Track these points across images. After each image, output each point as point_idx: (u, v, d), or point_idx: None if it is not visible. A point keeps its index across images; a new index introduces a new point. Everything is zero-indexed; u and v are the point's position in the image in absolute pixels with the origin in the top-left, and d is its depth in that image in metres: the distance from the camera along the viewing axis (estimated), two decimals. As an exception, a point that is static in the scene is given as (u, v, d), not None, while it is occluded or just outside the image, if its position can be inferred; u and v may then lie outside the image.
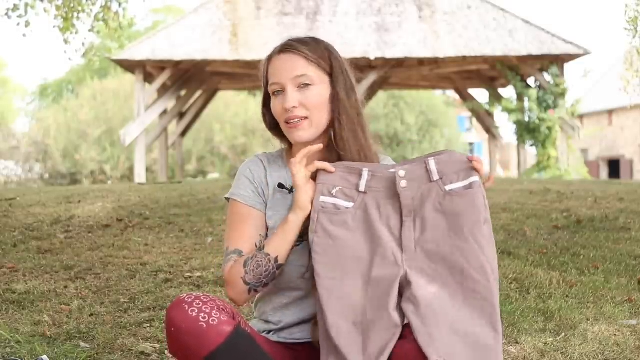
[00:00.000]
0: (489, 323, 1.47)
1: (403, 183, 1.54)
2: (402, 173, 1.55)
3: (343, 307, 1.51)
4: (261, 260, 1.59)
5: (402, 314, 1.49)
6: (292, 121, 1.65)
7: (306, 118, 1.65)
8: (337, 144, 1.67)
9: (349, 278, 1.53)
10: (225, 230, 1.77)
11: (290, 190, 1.72)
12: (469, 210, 1.51)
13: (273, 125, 1.75)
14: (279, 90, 1.67)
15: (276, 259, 1.60)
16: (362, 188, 1.57)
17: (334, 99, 1.67)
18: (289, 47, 1.68)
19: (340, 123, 1.67)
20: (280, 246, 1.60)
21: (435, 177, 1.54)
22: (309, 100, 1.65)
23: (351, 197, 1.57)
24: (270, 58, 1.70)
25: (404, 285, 1.50)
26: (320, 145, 1.61)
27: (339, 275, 1.53)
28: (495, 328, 1.47)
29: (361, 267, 1.53)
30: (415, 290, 1.48)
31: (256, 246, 1.67)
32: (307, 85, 1.65)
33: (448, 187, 1.54)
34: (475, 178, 1.54)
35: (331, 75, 1.68)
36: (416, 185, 1.55)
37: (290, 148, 1.77)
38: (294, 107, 1.64)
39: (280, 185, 1.73)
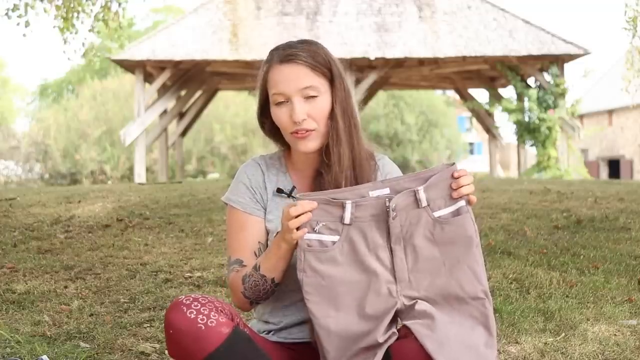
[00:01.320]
0: (485, 342, 1.48)
1: (393, 214, 1.51)
2: (393, 205, 1.50)
3: (341, 340, 1.50)
4: (258, 281, 1.62)
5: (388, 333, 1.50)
6: (301, 133, 1.63)
7: (314, 130, 1.64)
8: (330, 157, 1.65)
9: (344, 313, 1.51)
10: (225, 232, 1.77)
11: (289, 195, 1.72)
12: (461, 239, 1.51)
13: (272, 132, 1.73)
14: (283, 101, 1.63)
15: (272, 280, 1.62)
16: (346, 220, 1.51)
17: (333, 110, 1.65)
18: (292, 56, 1.63)
19: (337, 137, 1.64)
20: (275, 268, 1.61)
21: (424, 204, 1.52)
22: (316, 112, 1.63)
23: (335, 230, 1.52)
24: (270, 66, 1.65)
25: (403, 311, 1.50)
26: (315, 204, 1.52)
27: (333, 312, 1.51)
28: (491, 345, 1.48)
29: (355, 302, 1.51)
30: (417, 307, 1.49)
31: (256, 255, 1.69)
32: (314, 97, 1.63)
33: (436, 214, 1.52)
34: (461, 203, 1.52)
35: (332, 82, 1.66)
36: (404, 213, 1.52)
37: (288, 151, 1.76)
38: (303, 119, 1.62)
39: (279, 190, 1.73)
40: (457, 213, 1.52)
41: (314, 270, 1.52)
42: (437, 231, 1.52)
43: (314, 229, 1.52)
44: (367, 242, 1.52)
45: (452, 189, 1.53)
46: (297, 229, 1.51)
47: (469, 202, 1.54)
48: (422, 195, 1.52)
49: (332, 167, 1.64)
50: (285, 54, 1.64)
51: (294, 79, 1.62)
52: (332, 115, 1.65)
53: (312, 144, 1.65)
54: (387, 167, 1.77)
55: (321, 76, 1.64)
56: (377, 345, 1.48)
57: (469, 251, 1.51)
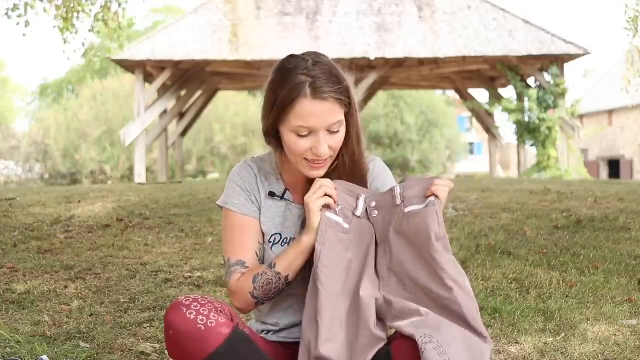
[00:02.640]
0: (470, 329, 1.49)
1: (374, 213, 1.62)
2: (373, 204, 1.63)
3: (335, 322, 1.52)
4: (272, 279, 1.62)
5: (383, 330, 1.52)
6: (319, 163, 1.64)
7: (328, 159, 1.65)
8: (334, 168, 1.69)
9: (343, 294, 1.55)
10: (222, 237, 1.77)
11: (282, 197, 1.73)
12: (422, 230, 1.55)
13: (275, 144, 1.70)
14: (305, 134, 1.61)
15: (286, 277, 1.63)
16: (358, 213, 1.63)
17: (347, 137, 1.67)
18: (326, 94, 1.59)
19: (345, 154, 1.69)
20: (291, 266, 1.62)
21: (399, 201, 1.60)
22: (336, 143, 1.64)
23: (348, 219, 1.62)
24: (299, 97, 1.58)
25: (384, 308, 1.53)
26: (332, 183, 1.62)
27: (340, 288, 1.55)
28: (477, 331, 1.48)
29: (353, 285, 1.56)
30: (396, 305, 1.51)
31: (257, 255, 1.69)
32: (337, 131, 1.63)
33: (407, 210, 1.59)
34: (431, 199, 1.58)
35: (348, 109, 1.65)
36: (385, 212, 1.62)
37: (282, 157, 1.73)
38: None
39: (271, 194, 1.73)
40: (425, 206, 1.58)
41: (331, 244, 1.58)
42: (404, 223, 1.58)
43: (335, 210, 1.62)
44: (368, 238, 1.62)
45: (431, 189, 1.60)
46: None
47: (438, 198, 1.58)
48: (397, 192, 1.61)
49: (330, 174, 1.68)
50: (319, 90, 1.58)
51: (325, 115, 1.60)
52: (346, 141, 1.67)
53: (323, 172, 1.67)
54: (376, 170, 1.78)
55: (343, 107, 1.64)
56: (378, 339, 1.50)
57: (429, 242, 1.54)
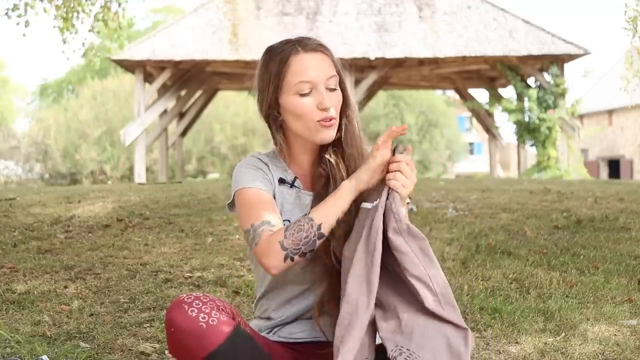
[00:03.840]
0: (441, 321, 1.48)
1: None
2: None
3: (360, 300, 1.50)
4: (303, 225, 1.53)
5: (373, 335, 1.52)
6: (328, 121, 1.64)
7: (334, 118, 1.66)
8: (346, 140, 1.69)
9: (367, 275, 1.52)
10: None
11: (292, 185, 1.72)
12: (375, 228, 1.50)
13: (277, 127, 1.69)
14: (307, 92, 1.63)
15: (319, 226, 1.54)
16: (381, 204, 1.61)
17: (345, 102, 1.70)
18: (320, 46, 1.67)
19: (350, 121, 1.70)
20: (327, 214, 1.55)
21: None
22: (337, 102, 1.67)
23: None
24: (291, 55, 1.64)
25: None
26: (405, 126, 1.57)
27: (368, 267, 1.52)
28: (451, 323, 1.47)
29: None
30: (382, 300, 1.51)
31: (280, 218, 1.63)
32: (334, 89, 1.67)
33: (361, 206, 1.57)
34: (384, 192, 1.53)
35: (339, 75, 1.70)
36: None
37: (286, 146, 1.72)
38: (332, 106, 1.64)
39: (282, 180, 1.73)
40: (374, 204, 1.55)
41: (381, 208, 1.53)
42: (362, 221, 1.54)
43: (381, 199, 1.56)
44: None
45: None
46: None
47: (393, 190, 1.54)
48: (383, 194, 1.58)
49: (347, 157, 1.68)
50: (313, 43, 1.66)
51: (321, 65, 1.65)
52: (345, 106, 1.69)
53: (333, 133, 1.67)
54: None
55: (334, 66, 1.68)
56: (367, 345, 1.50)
57: (384, 241, 1.50)
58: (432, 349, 1.42)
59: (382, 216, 1.51)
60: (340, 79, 1.69)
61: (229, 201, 1.72)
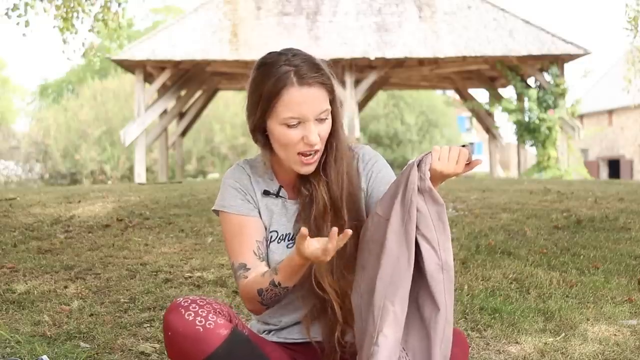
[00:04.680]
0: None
1: None
2: None
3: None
4: (280, 292, 1.60)
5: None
6: (309, 155, 1.62)
7: (318, 151, 1.64)
8: (324, 170, 1.67)
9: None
10: (224, 241, 1.76)
11: (277, 195, 1.72)
12: (401, 183, 1.58)
13: (264, 142, 1.69)
14: (295, 124, 1.60)
15: (287, 288, 1.60)
16: None
17: (334, 129, 1.66)
18: (318, 77, 1.60)
19: (336, 147, 1.67)
20: (293, 279, 1.58)
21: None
22: (324, 132, 1.63)
23: None
24: (286, 86, 1.58)
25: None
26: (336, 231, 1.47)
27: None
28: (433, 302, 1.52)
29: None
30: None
31: (256, 254, 1.67)
32: (324, 119, 1.63)
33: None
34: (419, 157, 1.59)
35: (332, 99, 1.65)
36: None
37: (272, 156, 1.71)
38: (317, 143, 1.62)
39: (266, 192, 1.73)
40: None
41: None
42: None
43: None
44: None
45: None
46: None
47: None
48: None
49: (330, 181, 1.67)
50: (311, 73, 1.60)
51: (314, 101, 1.59)
52: (333, 131, 1.66)
53: (312, 168, 1.65)
54: (366, 155, 1.76)
55: (328, 94, 1.63)
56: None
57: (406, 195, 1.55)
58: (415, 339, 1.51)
59: (417, 172, 1.53)
60: (333, 108, 1.64)
61: (214, 208, 1.74)
